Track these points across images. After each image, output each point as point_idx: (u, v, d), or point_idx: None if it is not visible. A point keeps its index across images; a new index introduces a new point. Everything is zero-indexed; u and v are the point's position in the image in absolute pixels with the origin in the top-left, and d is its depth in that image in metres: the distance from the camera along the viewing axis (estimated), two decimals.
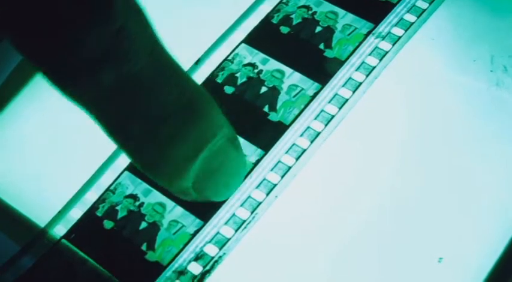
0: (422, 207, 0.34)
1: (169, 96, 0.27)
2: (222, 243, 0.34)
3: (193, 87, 0.28)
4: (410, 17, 0.39)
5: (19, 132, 0.39)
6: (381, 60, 0.37)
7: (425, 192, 0.34)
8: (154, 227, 0.35)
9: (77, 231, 0.36)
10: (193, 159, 0.29)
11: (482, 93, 0.36)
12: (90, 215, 0.36)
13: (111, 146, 0.32)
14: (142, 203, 0.35)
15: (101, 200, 0.36)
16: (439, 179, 0.34)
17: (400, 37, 0.38)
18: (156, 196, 0.36)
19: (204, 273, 0.34)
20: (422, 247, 0.33)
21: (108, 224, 0.35)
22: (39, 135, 0.39)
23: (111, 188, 0.36)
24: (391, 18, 0.39)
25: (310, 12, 0.39)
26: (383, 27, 0.38)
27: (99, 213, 0.36)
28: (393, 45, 0.38)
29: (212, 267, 0.34)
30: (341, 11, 0.39)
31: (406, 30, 0.38)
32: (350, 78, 0.37)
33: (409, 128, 0.36)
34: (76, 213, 0.36)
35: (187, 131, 0.28)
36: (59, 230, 0.36)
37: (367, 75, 0.37)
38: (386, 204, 0.34)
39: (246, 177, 0.35)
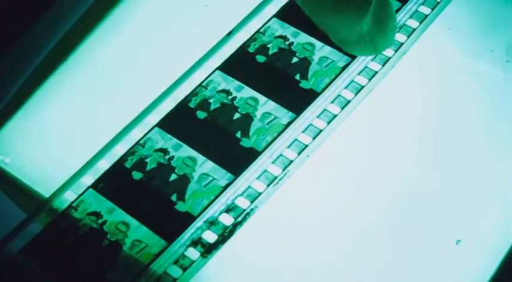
0: (440, 192, 0.35)
1: None
2: (253, 197, 0.35)
3: None
4: (425, 9, 0.40)
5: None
6: (396, 50, 0.39)
7: (442, 177, 0.35)
8: (184, 179, 0.35)
9: (105, 181, 0.35)
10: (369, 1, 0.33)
11: (498, 82, 0.37)
12: (118, 167, 0.36)
13: (140, 104, 0.36)
14: (173, 157, 0.36)
15: (130, 152, 0.36)
16: (456, 165, 0.35)
17: (415, 29, 0.39)
18: (187, 150, 0.36)
19: (236, 225, 0.34)
20: (440, 230, 0.34)
21: (137, 175, 0.35)
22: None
23: (141, 142, 0.36)
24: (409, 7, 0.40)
25: (287, 42, 0.40)
26: (401, 17, 0.40)
27: (127, 165, 0.36)
28: (408, 37, 0.39)
29: (244, 219, 0.34)
30: (318, 43, 0.39)
31: (421, 22, 0.40)
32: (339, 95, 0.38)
33: (426, 117, 0.37)
34: (104, 165, 0.36)
35: None
36: (86, 180, 0.35)
37: (383, 65, 0.38)
38: (405, 191, 0.35)
39: None
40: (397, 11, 0.40)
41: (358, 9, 0.33)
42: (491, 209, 0.34)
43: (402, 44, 0.39)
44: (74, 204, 0.35)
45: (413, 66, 0.38)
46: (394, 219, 0.34)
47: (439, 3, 0.40)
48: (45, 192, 0.35)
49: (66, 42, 0.40)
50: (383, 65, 0.38)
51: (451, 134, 0.36)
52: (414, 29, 0.39)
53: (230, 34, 0.40)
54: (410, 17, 0.39)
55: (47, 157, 0.36)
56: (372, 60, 0.38)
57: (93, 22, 0.41)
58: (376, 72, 0.38)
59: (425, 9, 0.40)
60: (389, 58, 0.38)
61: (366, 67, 0.38)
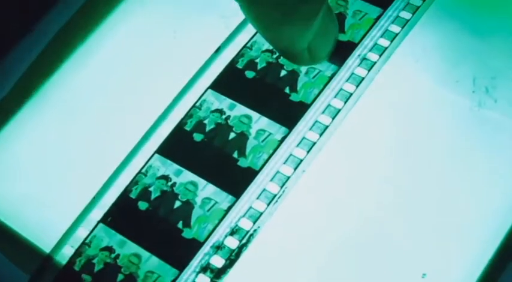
0: (405, 223, 0.35)
1: None
2: (255, 217, 0.36)
3: None
4: (384, 42, 0.40)
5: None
6: (357, 86, 0.38)
7: (409, 208, 0.35)
8: (188, 205, 0.37)
9: (113, 214, 0.37)
10: (315, 15, 0.32)
11: (465, 113, 0.37)
12: (124, 198, 0.37)
13: (133, 131, 0.37)
14: (175, 183, 0.37)
15: (133, 182, 0.38)
16: (423, 196, 0.36)
17: (375, 62, 0.39)
18: (187, 176, 0.37)
19: (241, 247, 0.36)
20: (406, 262, 0.34)
21: (142, 205, 0.37)
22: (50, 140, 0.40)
23: (143, 170, 0.38)
24: (367, 42, 0.40)
25: (274, 56, 0.40)
26: (360, 51, 0.39)
27: (132, 196, 0.37)
28: (369, 70, 0.39)
29: (248, 241, 0.36)
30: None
31: (381, 54, 0.39)
32: (329, 105, 0.39)
33: (394, 149, 0.37)
34: (110, 197, 0.38)
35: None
36: (96, 215, 0.37)
37: (353, 93, 0.39)
38: (369, 221, 0.35)
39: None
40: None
41: (304, 22, 0.33)
42: (458, 242, 0.34)
43: (363, 79, 0.39)
44: (87, 241, 0.36)
45: (377, 99, 0.38)
46: (357, 253, 0.35)
47: (397, 34, 0.40)
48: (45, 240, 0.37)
49: (38, 70, 0.41)
50: (369, 70, 0.39)
51: (419, 167, 0.36)
52: (374, 63, 0.39)
53: (218, 51, 0.41)
54: (369, 51, 0.39)
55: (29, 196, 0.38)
56: (359, 65, 0.39)
57: (66, 49, 0.41)
58: (363, 78, 0.39)
59: (384, 42, 0.40)
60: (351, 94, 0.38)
61: (353, 74, 0.39)
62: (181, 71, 0.40)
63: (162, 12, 0.42)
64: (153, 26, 0.41)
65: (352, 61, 0.39)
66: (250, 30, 0.41)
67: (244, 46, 0.41)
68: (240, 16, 0.40)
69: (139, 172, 0.38)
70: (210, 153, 0.38)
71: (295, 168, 0.37)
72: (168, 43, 0.41)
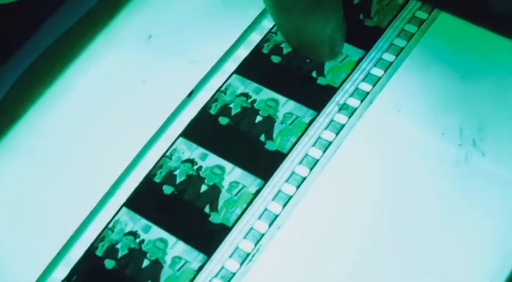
0: (391, 274, 0.33)
1: None
2: (228, 278, 0.34)
3: None
4: (366, 86, 0.37)
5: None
6: (337, 133, 0.36)
7: (393, 260, 0.34)
8: (157, 265, 0.35)
9: (78, 273, 0.35)
10: (327, 23, 0.34)
11: (450, 169, 0.35)
12: (90, 254, 0.35)
13: (101, 182, 0.34)
14: (143, 240, 0.35)
15: (99, 238, 0.36)
16: (408, 253, 0.34)
17: (356, 108, 0.37)
18: (157, 232, 0.35)
19: None
20: None
21: (109, 264, 0.35)
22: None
23: (110, 226, 0.36)
24: (348, 86, 0.38)
25: (249, 100, 0.38)
26: (339, 98, 0.37)
27: (99, 253, 0.35)
28: (350, 117, 0.37)
29: None
30: (282, 98, 0.38)
31: (362, 100, 0.37)
32: (306, 155, 0.36)
33: (377, 203, 0.35)
34: (76, 254, 0.36)
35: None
36: (60, 273, 0.35)
37: (324, 150, 0.36)
38: (355, 270, 0.34)
39: None
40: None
41: (331, 11, 0.34)
42: None
43: (343, 125, 0.37)
44: None
45: (357, 153, 0.36)
46: None
47: (380, 78, 0.38)
48: None
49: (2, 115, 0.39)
50: (350, 116, 0.37)
51: (404, 223, 0.34)
52: (356, 108, 0.37)
53: (190, 95, 0.38)
54: (350, 96, 0.37)
55: None
56: (338, 112, 0.37)
57: (30, 92, 0.39)
58: (343, 126, 0.36)
59: (366, 86, 0.37)
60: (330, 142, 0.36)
61: (333, 120, 0.37)
62: (151, 118, 0.37)
63: (131, 57, 0.40)
64: (123, 70, 0.39)
65: (331, 107, 0.37)
66: (224, 73, 0.39)
67: (218, 90, 0.39)
68: (212, 60, 0.39)
69: (106, 227, 0.36)
70: (180, 206, 0.36)
71: (270, 225, 0.35)
72: (138, 89, 0.39)
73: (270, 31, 0.40)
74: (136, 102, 0.38)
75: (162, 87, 0.39)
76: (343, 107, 0.37)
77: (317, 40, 0.36)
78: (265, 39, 0.40)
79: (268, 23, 0.40)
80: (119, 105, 0.38)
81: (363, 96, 0.37)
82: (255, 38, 0.40)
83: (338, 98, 0.37)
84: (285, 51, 0.39)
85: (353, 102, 0.37)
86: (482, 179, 0.34)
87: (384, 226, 0.34)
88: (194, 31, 0.40)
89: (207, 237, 0.35)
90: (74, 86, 0.39)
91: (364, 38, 0.39)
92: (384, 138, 0.36)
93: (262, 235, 0.35)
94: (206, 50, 0.39)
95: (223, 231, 0.35)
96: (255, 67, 0.39)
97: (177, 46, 0.40)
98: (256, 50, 0.39)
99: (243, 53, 0.39)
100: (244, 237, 0.35)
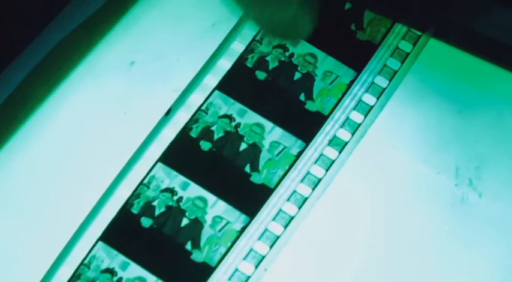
0: None
1: None
2: None
3: None
4: (358, 117, 0.36)
5: None
6: (327, 170, 0.35)
7: None
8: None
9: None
10: None
11: (446, 209, 0.34)
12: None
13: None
14: (121, 278, 0.34)
15: (75, 276, 0.34)
16: None
17: (347, 142, 0.35)
18: (136, 270, 0.34)
19: None
20: None
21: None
22: None
23: (85, 262, 0.34)
24: (338, 114, 0.36)
25: (233, 124, 0.35)
26: (329, 128, 0.35)
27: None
28: (340, 152, 0.35)
29: None
30: (268, 124, 0.35)
31: (353, 133, 0.35)
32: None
33: (369, 244, 0.34)
34: None
35: None
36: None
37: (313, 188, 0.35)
38: None
39: None
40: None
41: None
42: None
43: (334, 160, 0.35)
44: None
45: (349, 192, 0.35)
46: None
47: (372, 107, 0.36)
48: None
49: None
50: (340, 151, 0.35)
51: (397, 256, 0.34)
52: (347, 142, 0.35)
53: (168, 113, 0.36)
54: (340, 127, 0.35)
55: None
56: (328, 145, 0.35)
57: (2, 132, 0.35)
58: (334, 161, 0.35)
59: (358, 117, 0.35)
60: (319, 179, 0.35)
61: (322, 154, 0.35)
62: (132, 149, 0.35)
63: (112, 87, 0.36)
64: (103, 102, 0.36)
65: (321, 138, 0.35)
66: (204, 89, 0.36)
67: (198, 109, 0.36)
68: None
69: (82, 263, 0.34)
70: (161, 244, 0.34)
71: (257, 266, 0.34)
72: (119, 120, 0.36)
73: (253, 40, 0.37)
74: (118, 134, 0.35)
75: (144, 118, 0.35)
76: (333, 140, 0.35)
77: (283, 22, 0.34)
78: (248, 50, 0.36)
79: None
80: (99, 139, 0.35)
81: (355, 128, 0.35)
82: (237, 47, 0.37)
83: (328, 128, 0.35)
84: (270, 66, 0.36)
85: (344, 134, 0.35)
86: (479, 221, 0.34)
87: (376, 268, 0.34)
88: (179, 58, 0.36)
89: (186, 278, 0.33)
90: (50, 122, 0.35)
91: (356, 55, 0.36)
92: (377, 176, 0.35)
93: (248, 277, 0.34)
94: (189, 79, 0.36)
95: (206, 271, 0.34)
96: (238, 83, 0.36)
97: (159, 73, 0.36)
98: (239, 63, 0.36)
99: (225, 65, 0.36)
100: (229, 280, 0.34)
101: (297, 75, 0.36)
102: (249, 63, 0.36)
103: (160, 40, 0.37)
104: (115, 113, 0.35)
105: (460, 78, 0.36)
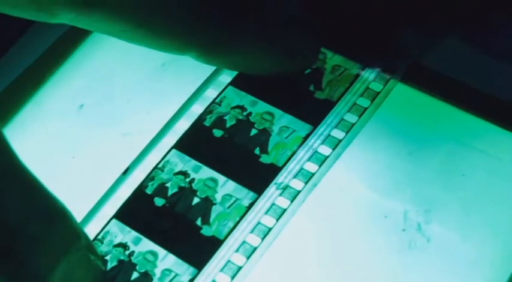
0: None
1: (22, 205, 0.27)
2: None
3: (46, 196, 0.28)
4: (311, 166, 0.35)
5: None
6: (278, 219, 0.34)
7: None
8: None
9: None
10: (50, 270, 0.28)
11: (392, 256, 0.32)
12: None
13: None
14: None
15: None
16: None
17: (299, 191, 0.34)
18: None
19: None
20: None
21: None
22: None
23: None
24: (292, 166, 0.35)
25: (187, 179, 0.36)
26: (282, 178, 0.35)
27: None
28: (292, 201, 0.34)
29: None
30: (222, 178, 0.36)
31: (306, 182, 0.34)
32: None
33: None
34: None
35: (42, 241, 0.28)
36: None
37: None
38: None
39: None
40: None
41: None
42: None
43: (285, 210, 0.34)
44: None
45: (297, 235, 0.34)
46: None
47: (327, 157, 0.35)
48: None
49: None
50: (292, 201, 0.34)
51: None
52: (298, 192, 0.34)
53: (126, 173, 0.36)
54: (294, 177, 0.35)
55: None
56: (280, 195, 0.34)
57: None
58: (285, 210, 0.34)
59: (312, 167, 0.35)
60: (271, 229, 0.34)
61: (274, 204, 0.34)
62: (82, 198, 0.35)
63: (60, 130, 0.38)
64: (50, 145, 0.37)
65: (273, 189, 0.34)
66: (160, 150, 0.36)
67: (155, 167, 0.36)
68: (146, 132, 0.36)
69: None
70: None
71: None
72: (67, 165, 0.36)
73: (213, 102, 0.37)
74: (66, 180, 0.36)
75: (93, 163, 0.36)
76: (285, 190, 0.34)
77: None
78: (207, 111, 0.37)
79: (212, 93, 0.38)
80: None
81: (308, 177, 0.34)
82: (197, 109, 0.37)
83: (281, 178, 0.34)
84: (228, 124, 0.36)
85: (296, 184, 0.34)
86: (427, 267, 0.32)
87: None
88: (130, 100, 0.38)
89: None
90: None
91: (313, 112, 0.36)
92: (327, 223, 0.33)
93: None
94: (142, 122, 0.37)
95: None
96: (195, 142, 0.36)
97: (110, 117, 0.38)
98: (198, 123, 0.37)
99: (183, 125, 0.37)
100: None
101: (253, 132, 0.36)
102: (207, 123, 0.37)
103: (109, 81, 0.38)
104: (63, 156, 0.36)
105: (416, 121, 0.35)
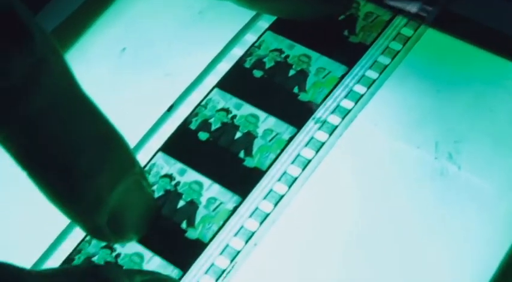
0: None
1: (84, 129, 0.28)
2: None
3: (106, 123, 0.30)
4: (348, 103, 0.37)
5: None
6: (317, 152, 0.36)
7: (373, 265, 0.33)
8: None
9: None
10: (108, 192, 0.30)
11: (426, 183, 0.34)
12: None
13: None
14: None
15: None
16: (387, 263, 0.33)
17: (336, 126, 0.36)
18: (133, 247, 0.35)
19: None
20: None
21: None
22: None
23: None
24: (329, 103, 0.37)
25: (229, 115, 0.38)
26: (321, 113, 0.37)
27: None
28: (330, 134, 0.36)
29: None
30: (262, 114, 0.38)
31: (343, 118, 0.37)
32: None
33: (355, 221, 0.34)
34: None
35: (102, 163, 0.29)
36: None
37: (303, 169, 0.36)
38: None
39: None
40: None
41: None
42: None
43: (323, 143, 0.36)
44: None
45: (334, 167, 0.36)
46: None
47: (362, 95, 0.37)
48: None
49: None
50: (330, 134, 0.36)
51: (381, 234, 0.34)
52: (335, 127, 0.37)
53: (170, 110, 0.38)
54: (331, 113, 0.37)
55: None
56: (318, 129, 0.36)
57: None
58: (323, 144, 0.36)
59: (348, 103, 0.37)
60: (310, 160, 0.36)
61: (313, 138, 0.36)
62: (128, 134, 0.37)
63: (103, 73, 0.39)
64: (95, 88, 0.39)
65: (312, 124, 0.36)
66: (202, 88, 0.39)
67: (199, 105, 0.38)
68: (189, 73, 0.38)
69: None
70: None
71: (247, 242, 0.34)
72: (112, 106, 0.38)
73: (252, 45, 0.39)
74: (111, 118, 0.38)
75: (137, 102, 0.38)
76: (323, 125, 0.36)
77: None
78: (247, 54, 0.39)
79: (251, 37, 0.40)
80: None
81: (344, 113, 0.36)
82: (237, 52, 0.39)
83: (319, 114, 0.36)
84: (267, 65, 0.38)
85: (334, 119, 0.36)
86: (458, 193, 0.34)
87: (362, 241, 0.34)
88: (170, 44, 0.40)
89: (180, 252, 0.34)
90: None
91: (348, 54, 0.38)
92: (362, 155, 0.36)
93: (238, 252, 0.34)
94: (183, 63, 0.39)
95: (198, 247, 0.34)
96: (236, 81, 0.38)
97: (152, 59, 0.39)
98: (238, 65, 0.39)
99: (224, 67, 0.39)
100: (220, 254, 0.34)
101: (291, 72, 0.38)
102: (247, 64, 0.39)
103: (149, 28, 0.40)
104: (107, 97, 0.38)
105: (445, 63, 0.37)
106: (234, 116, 0.37)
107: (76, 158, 0.29)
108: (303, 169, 0.35)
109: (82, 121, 0.29)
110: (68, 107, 0.29)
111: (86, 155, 0.29)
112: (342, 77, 0.38)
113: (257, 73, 0.38)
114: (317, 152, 0.36)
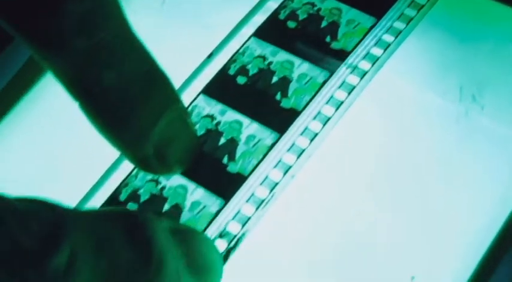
0: (394, 227, 0.35)
1: (133, 64, 0.30)
2: (243, 221, 0.36)
3: (152, 61, 0.31)
4: (377, 51, 0.40)
5: None
6: (349, 94, 0.39)
7: (397, 213, 0.36)
8: (177, 208, 0.37)
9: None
10: (154, 122, 0.31)
11: (451, 125, 0.37)
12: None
13: None
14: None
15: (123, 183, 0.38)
16: (410, 201, 0.36)
17: (367, 71, 0.39)
18: (177, 179, 0.37)
19: (229, 250, 0.36)
20: (394, 266, 0.34)
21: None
22: None
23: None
24: (360, 50, 0.40)
25: (266, 62, 0.41)
26: (352, 59, 0.40)
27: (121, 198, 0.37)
28: (361, 78, 0.39)
29: (236, 244, 0.36)
30: (297, 60, 0.40)
31: (373, 64, 0.39)
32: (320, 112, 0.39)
33: (383, 158, 0.37)
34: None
35: (149, 95, 0.31)
36: None
37: (335, 112, 0.39)
38: (358, 226, 0.36)
39: None
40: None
41: None
42: (446, 244, 0.34)
43: (354, 87, 0.39)
44: None
45: (363, 113, 0.38)
46: (347, 253, 0.35)
47: (390, 44, 0.40)
48: None
49: None
50: (361, 78, 0.39)
51: (406, 171, 0.36)
52: (365, 72, 0.39)
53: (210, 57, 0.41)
54: (362, 59, 0.40)
55: None
56: (351, 73, 0.39)
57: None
58: (354, 87, 0.39)
59: (377, 51, 0.40)
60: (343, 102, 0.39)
61: (345, 81, 0.39)
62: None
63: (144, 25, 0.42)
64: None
65: (344, 69, 0.39)
66: (240, 38, 0.41)
67: (236, 52, 0.41)
68: (227, 25, 0.41)
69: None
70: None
71: (285, 174, 0.37)
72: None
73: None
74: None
75: (178, 50, 0.41)
76: (354, 70, 0.39)
77: None
78: (282, 6, 0.42)
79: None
80: None
81: (374, 60, 0.39)
82: (271, 5, 0.42)
83: (350, 60, 0.39)
84: (300, 17, 0.41)
85: (364, 65, 0.39)
86: (482, 134, 0.37)
87: (387, 177, 0.37)
88: None
89: (223, 184, 0.37)
90: None
91: (377, 6, 0.41)
92: (390, 99, 0.38)
93: (276, 183, 0.37)
94: (221, 16, 0.41)
95: (239, 180, 0.37)
96: (271, 31, 0.41)
97: (190, 11, 0.42)
98: (273, 16, 0.42)
99: (260, 18, 0.42)
100: (260, 184, 0.37)
101: (324, 24, 0.41)
102: (281, 16, 0.42)
103: None
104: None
105: (464, 15, 0.40)
106: (270, 62, 0.40)
107: (125, 90, 0.31)
108: (336, 109, 0.38)
109: (131, 57, 0.32)
110: (119, 44, 0.31)
111: (132, 89, 0.32)
112: (371, 27, 0.40)
113: (291, 24, 0.41)
114: (349, 94, 0.39)
